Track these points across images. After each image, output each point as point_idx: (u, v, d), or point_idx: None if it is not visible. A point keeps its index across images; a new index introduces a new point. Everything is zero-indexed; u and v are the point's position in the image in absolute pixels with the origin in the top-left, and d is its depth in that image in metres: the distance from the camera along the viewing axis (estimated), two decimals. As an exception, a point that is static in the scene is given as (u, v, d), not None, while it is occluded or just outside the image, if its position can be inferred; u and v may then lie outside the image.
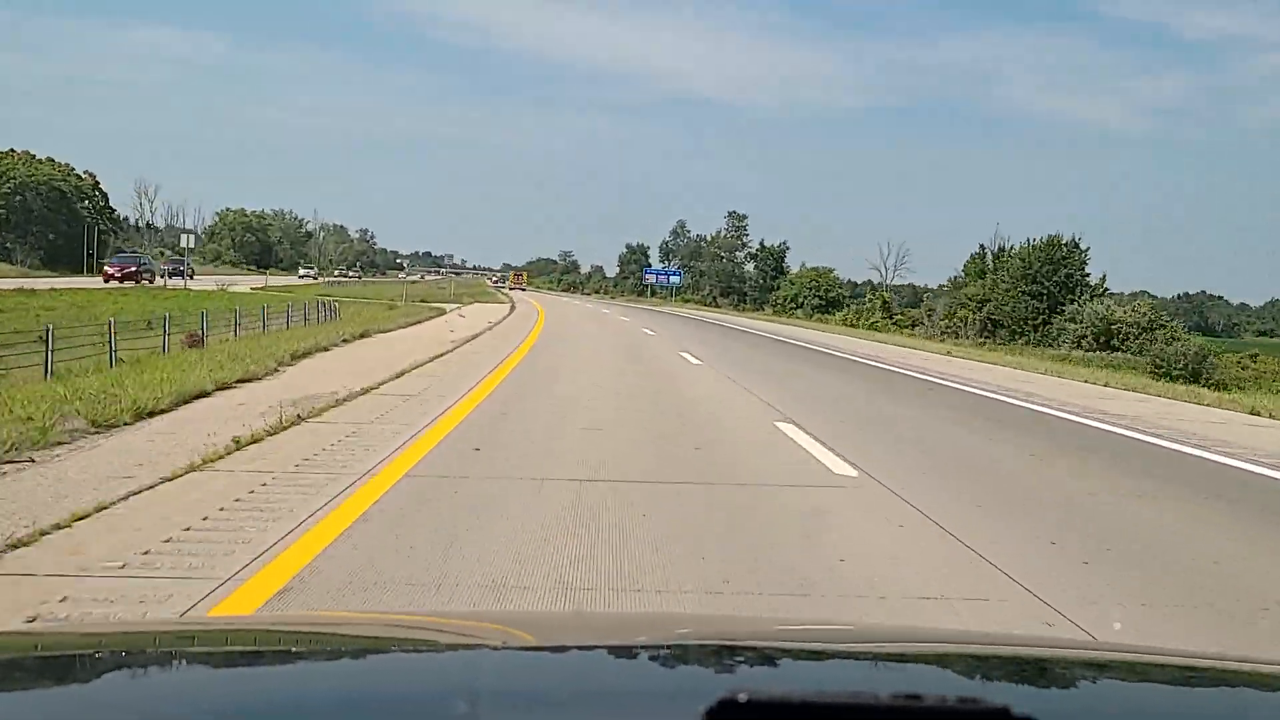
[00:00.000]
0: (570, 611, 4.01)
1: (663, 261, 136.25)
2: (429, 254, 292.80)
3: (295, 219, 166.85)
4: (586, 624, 2.39)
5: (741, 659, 1.48)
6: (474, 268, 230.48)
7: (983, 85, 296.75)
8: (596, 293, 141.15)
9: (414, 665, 1.38)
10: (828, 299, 74.72)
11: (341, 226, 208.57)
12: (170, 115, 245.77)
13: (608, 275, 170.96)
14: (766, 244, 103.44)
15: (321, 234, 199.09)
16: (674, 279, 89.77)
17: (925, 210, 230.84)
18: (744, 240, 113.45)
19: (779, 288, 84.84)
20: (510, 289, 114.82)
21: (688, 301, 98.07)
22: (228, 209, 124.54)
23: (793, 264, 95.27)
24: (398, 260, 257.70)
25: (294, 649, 1.57)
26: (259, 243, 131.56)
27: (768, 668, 1.46)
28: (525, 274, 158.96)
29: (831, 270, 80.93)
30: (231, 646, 1.58)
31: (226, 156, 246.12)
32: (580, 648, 1.53)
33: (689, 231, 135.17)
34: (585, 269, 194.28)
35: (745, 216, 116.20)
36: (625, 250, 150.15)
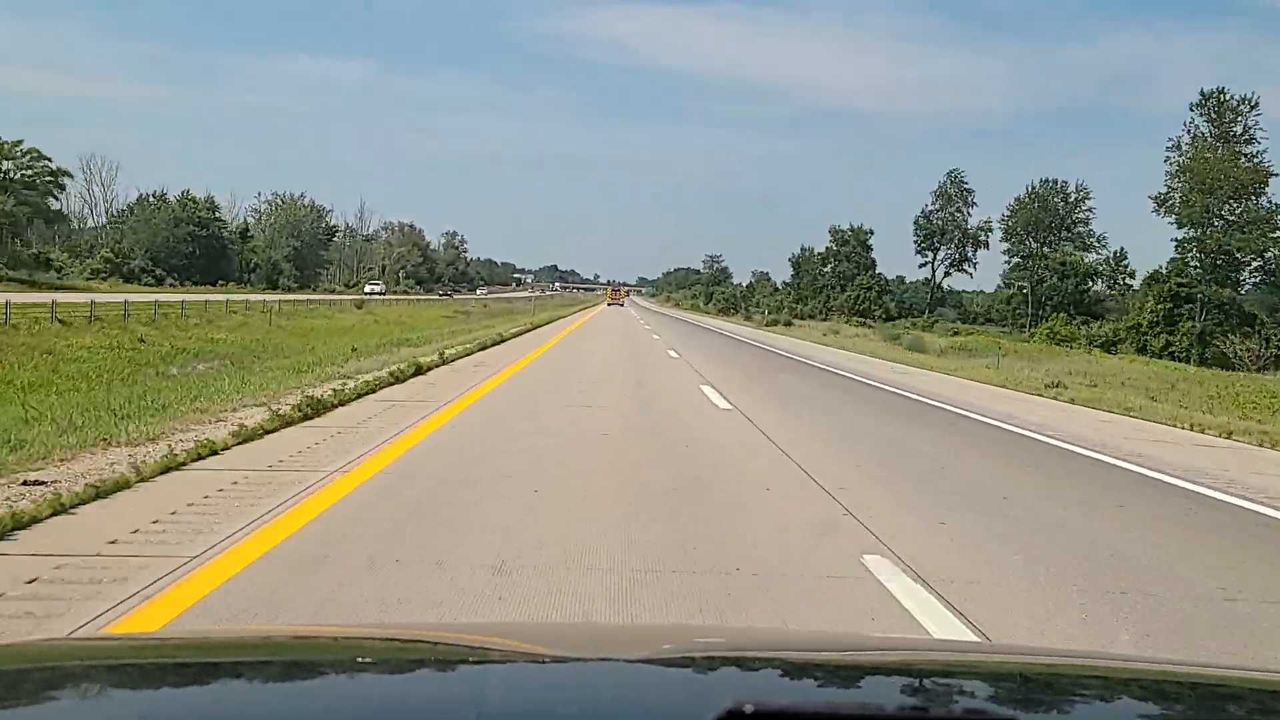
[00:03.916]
0: (578, 623, 3.85)
1: (923, 254, 74.36)
2: (554, 268, 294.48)
3: (315, 210, 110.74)
4: (593, 635, 2.34)
5: (748, 670, 1.49)
6: (608, 282, 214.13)
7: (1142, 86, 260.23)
8: (806, 318, 75.64)
9: (422, 679, 1.37)
10: None
11: (412, 227, 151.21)
12: (310, 138, 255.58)
13: (776, 285, 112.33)
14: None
15: (385, 235, 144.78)
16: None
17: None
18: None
19: None
20: (609, 304, 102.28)
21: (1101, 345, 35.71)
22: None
23: None
24: (514, 274, 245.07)
25: (299, 662, 1.52)
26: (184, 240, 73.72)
27: (775, 679, 1.45)
28: (623, 289, 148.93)
29: None
30: (235, 658, 1.55)
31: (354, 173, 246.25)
32: (587, 660, 1.50)
33: (970, 192, 71.03)
34: (739, 278, 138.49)
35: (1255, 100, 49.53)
36: (825, 243, 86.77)
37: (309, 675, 1.42)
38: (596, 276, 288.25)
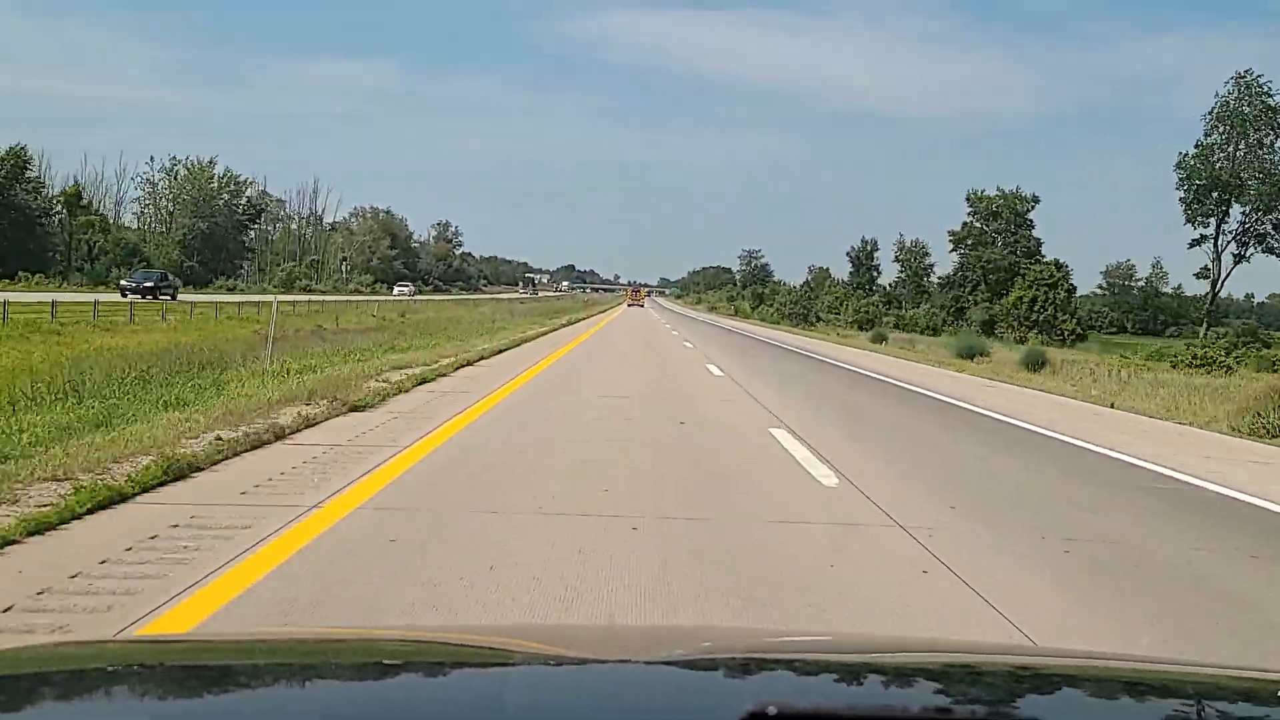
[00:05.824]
0: (598, 625, 3.83)
1: (1197, 221, 44.39)
2: (571, 268, 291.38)
3: (233, 182, 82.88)
4: (613, 637, 2.28)
5: (770, 672, 1.48)
6: (628, 282, 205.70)
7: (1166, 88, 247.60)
8: (918, 330, 45.02)
9: (442, 682, 1.38)
10: None
11: (388, 213, 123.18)
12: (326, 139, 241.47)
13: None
14: None
15: (354, 222, 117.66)
16: None
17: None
18: None
19: None
20: (629, 305, 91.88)
21: None
22: None
23: None
24: (526, 274, 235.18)
25: (317, 665, 1.50)
26: None
27: (796, 681, 1.44)
28: (643, 290, 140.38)
29: None
30: (253, 660, 1.54)
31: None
32: (607, 662, 1.49)
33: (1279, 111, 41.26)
34: (787, 277, 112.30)
35: None
36: (962, 217, 57.62)
37: (329, 678, 1.41)
38: (616, 277, 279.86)
